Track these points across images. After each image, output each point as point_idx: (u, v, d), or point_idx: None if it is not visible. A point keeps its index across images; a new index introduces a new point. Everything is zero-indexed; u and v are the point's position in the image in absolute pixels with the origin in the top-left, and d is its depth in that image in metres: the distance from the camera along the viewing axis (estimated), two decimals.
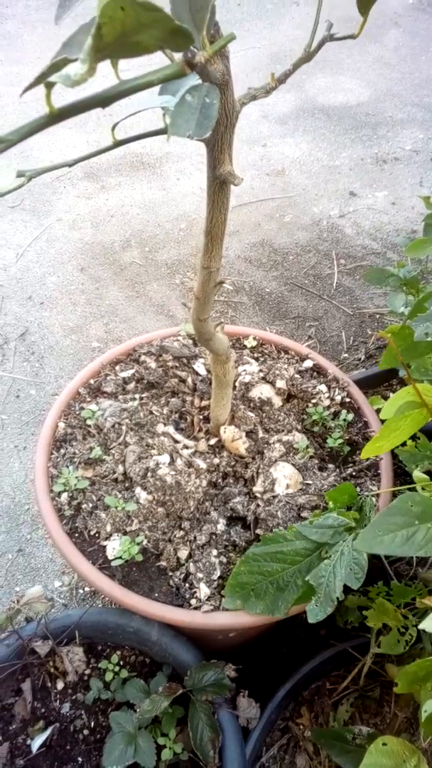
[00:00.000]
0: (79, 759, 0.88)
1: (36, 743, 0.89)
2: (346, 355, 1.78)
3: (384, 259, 2.07)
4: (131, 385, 1.06)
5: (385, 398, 1.61)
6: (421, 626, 0.63)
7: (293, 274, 2.02)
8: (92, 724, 0.92)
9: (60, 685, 0.94)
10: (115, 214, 2.23)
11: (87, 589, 1.32)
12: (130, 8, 0.26)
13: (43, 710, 0.93)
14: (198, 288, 0.65)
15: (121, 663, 0.95)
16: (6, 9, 3.44)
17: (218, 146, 0.49)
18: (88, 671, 0.95)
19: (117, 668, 0.94)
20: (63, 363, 1.76)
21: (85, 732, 0.91)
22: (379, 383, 1.60)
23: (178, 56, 0.40)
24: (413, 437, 0.89)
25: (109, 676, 0.93)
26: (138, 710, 0.86)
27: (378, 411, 1.17)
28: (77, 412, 1.02)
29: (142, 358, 1.09)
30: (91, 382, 1.07)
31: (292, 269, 2.04)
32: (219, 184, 0.52)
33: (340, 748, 0.75)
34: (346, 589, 0.74)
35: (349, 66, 3.04)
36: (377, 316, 1.89)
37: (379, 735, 0.60)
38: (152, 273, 2.03)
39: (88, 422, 1.00)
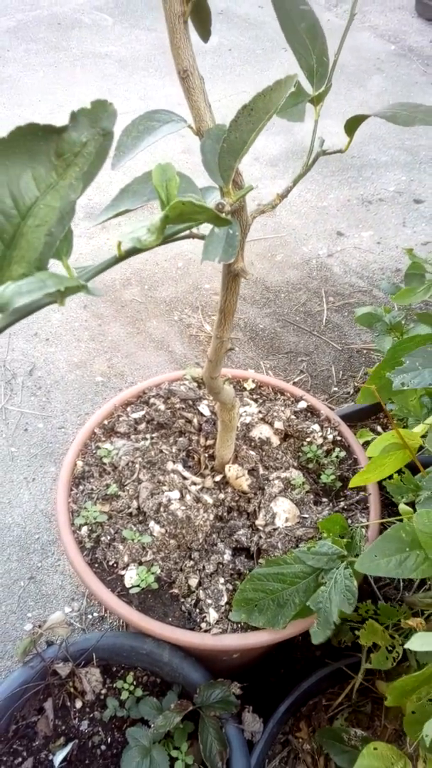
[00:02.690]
0: None
1: (58, 758, 0.97)
2: (336, 388, 1.90)
3: (370, 296, 2.20)
4: (142, 426, 1.16)
5: (373, 431, 1.72)
6: (407, 646, 0.73)
7: (285, 311, 2.15)
8: (109, 740, 1.00)
9: (78, 704, 1.03)
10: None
11: (96, 614, 1.40)
12: (188, 204, 0.37)
13: (63, 728, 1.01)
14: (211, 352, 0.76)
15: (135, 683, 1.04)
16: (7, 53, 3.60)
17: None
18: (104, 691, 1.04)
19: (132, 687, 1.02)
20: (68, 397, 1.86)
21: (103, 747, 0.99)
22: (368, 416, 1.72)
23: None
24: (399, 471, 1.00)
25: (124, 695, 1.01)
26: (152, 726, 0.95)
27: (365, 444, 1.28)
28: (93, 451, 1.12)
29: (152, 400, 1.20)
30: (105, 422, 1.17)
31: (283, 306, 2.16)
32: (232, 277, 0.63)
33: (338, 748, 0.85)
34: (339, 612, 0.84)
35: (335, 110, 3.21)
36: (364, 351, 2.01)
37: (372, 740, 0.70)
38: (152, 310, 2.14)
39: (104, 460, 1.10)
